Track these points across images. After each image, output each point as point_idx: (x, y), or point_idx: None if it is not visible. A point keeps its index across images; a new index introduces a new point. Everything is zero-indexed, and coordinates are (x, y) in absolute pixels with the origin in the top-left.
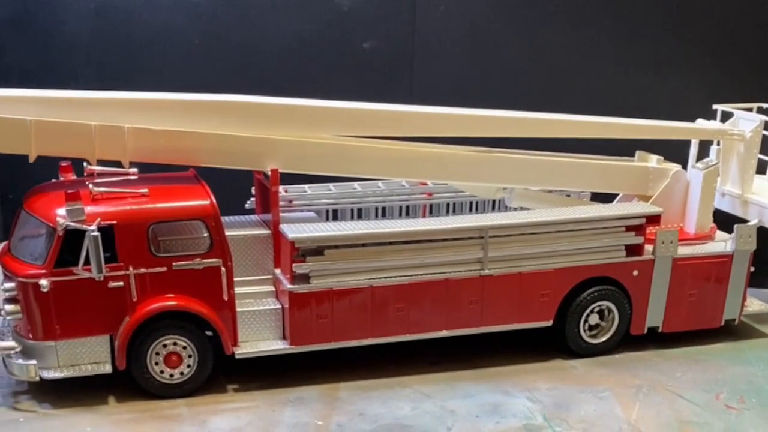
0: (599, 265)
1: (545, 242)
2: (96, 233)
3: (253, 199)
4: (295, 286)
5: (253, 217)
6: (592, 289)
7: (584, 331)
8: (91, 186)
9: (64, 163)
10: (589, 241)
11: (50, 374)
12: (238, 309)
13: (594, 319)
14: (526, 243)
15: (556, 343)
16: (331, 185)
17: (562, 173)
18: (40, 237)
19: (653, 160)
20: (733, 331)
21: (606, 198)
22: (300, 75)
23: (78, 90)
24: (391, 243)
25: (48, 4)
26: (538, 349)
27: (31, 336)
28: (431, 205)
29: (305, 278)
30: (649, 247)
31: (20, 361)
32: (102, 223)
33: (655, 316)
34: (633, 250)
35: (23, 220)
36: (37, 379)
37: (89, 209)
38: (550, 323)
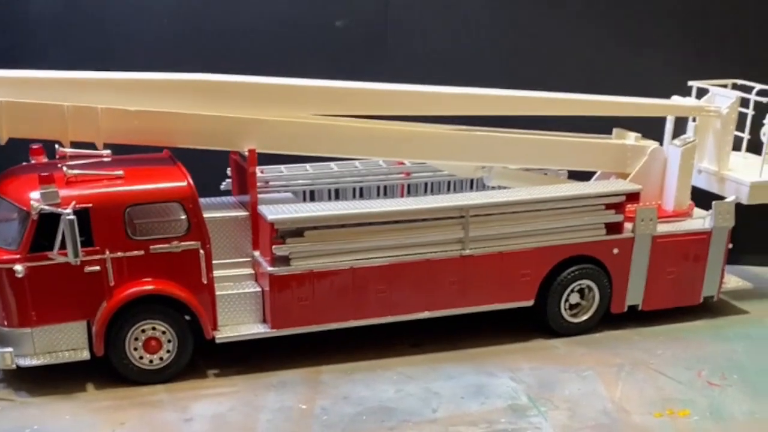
0: (579, 243)
1: (525, 221)
2: (71, 216)
3: (228, 180)
4: (275, 268)
5: (230, 199)
6: (573, 268)
7: (565, 310)
8: (65, 168)
9: (35, 146)
10: (569, 219)
11: (27, 362)
12: (217, 292)
13: (574, 298)
14: (507, 222)
15: (537, 322)
16: (307, 165)
17: (540, 151)
18: (14, 221)
19: (631, 138)
20: (712, 308)
21: (584, 176)
22: (274, 54)
23: (48, 70)
24: (371, 224)
25: None
26: (519, 329)
27: (6, 323)
28: (409, 185)
29: (285, 260)
30: (628, 225)
31: None
32: (77, 206)
33: (635, 294)
34: (613, 228)
35: None
36: (14, 366)
37: (64, 192)
38: (531, 303)
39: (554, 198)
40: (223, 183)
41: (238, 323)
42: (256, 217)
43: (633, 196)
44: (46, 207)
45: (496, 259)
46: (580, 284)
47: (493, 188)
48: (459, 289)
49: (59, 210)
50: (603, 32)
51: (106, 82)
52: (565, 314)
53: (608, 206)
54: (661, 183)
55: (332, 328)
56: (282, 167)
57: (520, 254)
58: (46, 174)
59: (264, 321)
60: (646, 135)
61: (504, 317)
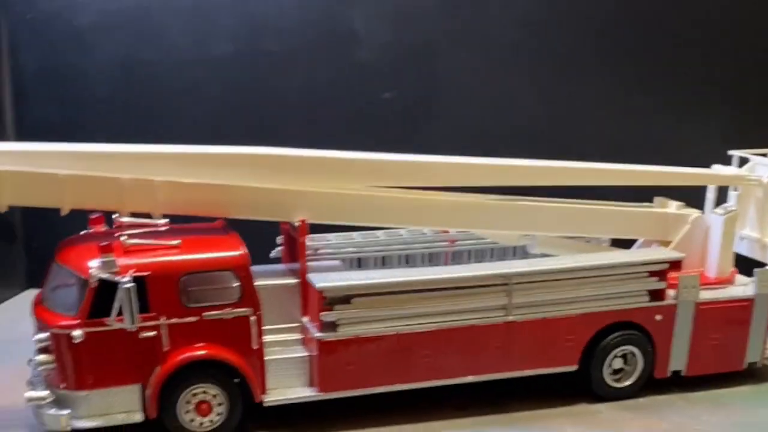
0: (622, 310)
1: (569, 288)
2: (130, 285)
3: (279, 248)
4: (323, 333)
5: (281, 266)
6: (616, 334)
7: (609, 375)
8: (123, 238)
9: (94, 215)
10: (613, 286)
11: (82, 424)
12: (266, 357)
13: (618, 363)
14: (551, 289)
15: (581, 386)
16: (354, 234)
17: (583, 220)
18: (73, 288)
19: (673, 206)
20: (755, 374)
21: (625, 243)
22: (321, 125)
23: (103, 143)
24: (417, 291)
25: (74, 58)
26: (564, 393)
27: (63, 386)
28: (454, 253)
29: (333, 326)
30: (671, 292)
31: (52, 411)
32: (135, 274)
33: (678, 360)
34: (656, 295)
35: (55, 271)
36: (69, 429)
37: (122, 261)
38: (575, 368)
39: (597, 266)
40: (274, 251)
41: (286, 387)
42: (305, 285)
43: (675, 264)
44: (105, 275)
45: (539, 325)
46: (623, 350)
47: (537, 256)
48: (503, 353)
49: (117, 278)
50: (645, 103)
51: (162, 156)
52: (609, 379)
53: (651, 273)
54: (704, 251)
55: (378, 391)
56: (330, 236)
57: (563, 320)
58: (105, 244)
59: (311, 385)
60: (688, 203)
61: (548, 381)
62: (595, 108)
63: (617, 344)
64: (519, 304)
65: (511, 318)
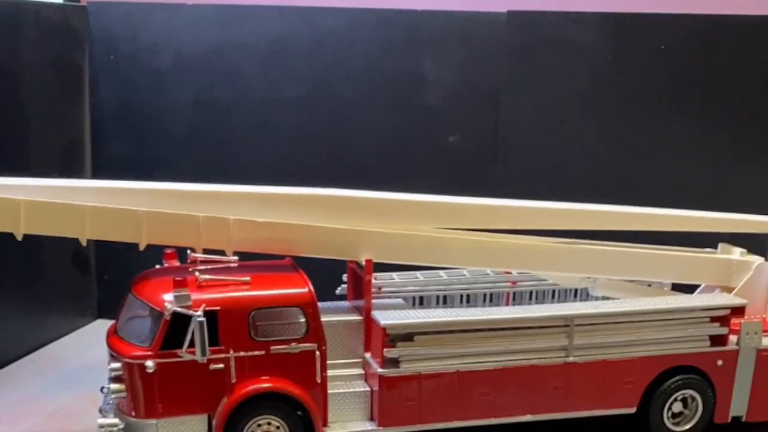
0: (683, 354)
1: (630, 331)
2: (202, 318)
3: (344, 285)
4: (385, 369)
5: (345, 303)
6: (676, 378)
7: (668, 418)
8: (197, 273)
9: (168, 250)
10: (674, 330)
11: None
12: (329, 391)
13: (678, 406)
14: (611, 332)
15: (639, 429)
16: (418, 273)
17: (645, 264)
18: (147, 320)
19: (736, 253)
20: None
21: (687, 288)
22: (388, 168)
23: (177, 180)
24: (478, 330)
25: (149, 97)
26: None
27: (134, 414)
28: (515, 293)
29: (395, 362)
30: (733, 338)
31: None
32: (207, 308)
33: (739, 406)
34: (717, 340)
35: (130, 303)
36: None
37: (195, 296)
38: (633, 410)
39: (658, 310)
40: (339, 288)
41: (347, 420)
42: (369, 322)
43: (738, 310)
44: (179, 309)
45: (599, 367)
46: (683, 393)
47: (598, 298)
48: (562, 394)
49: (190, 312)
50: (710, 148)
51: (236, 195)
52: (668, 422)
53: (713, 319)
54: (767, 297)
55: (438, 427)
56: (394, 275)
57: (623, 363)
58: (180, 278)
59: (372, 419)
60: (752, 249)
61: (607, 423)
62: (659, 154)
63: (677, 388)
64: (579, 345)
65: (571, 359)
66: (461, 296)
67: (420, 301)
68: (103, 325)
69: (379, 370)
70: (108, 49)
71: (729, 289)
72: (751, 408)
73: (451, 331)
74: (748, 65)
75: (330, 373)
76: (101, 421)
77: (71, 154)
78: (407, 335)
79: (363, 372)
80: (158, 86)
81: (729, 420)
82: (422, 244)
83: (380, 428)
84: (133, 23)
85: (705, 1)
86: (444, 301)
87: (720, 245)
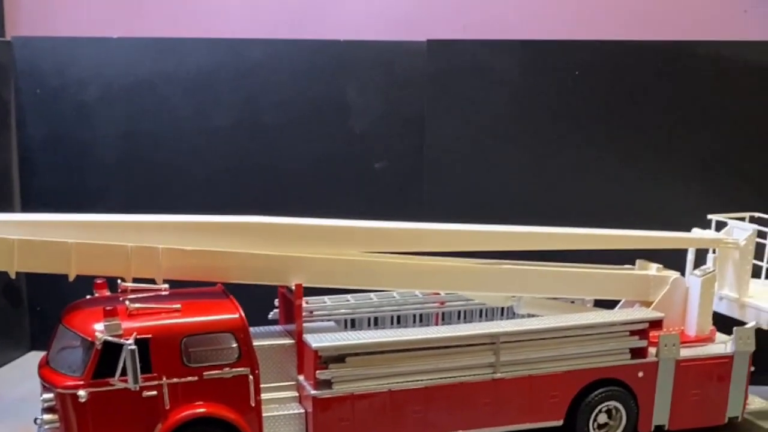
0: (606, 367)
1: (554, 347)
2: (133, 347)
3: (276, 310)
4: (318, 391)
5: (277, 328)
6: (600, 390)
7: (594, 429)
8: (127, 302)
9: (99, 280)
10: (596, 345)
11: None
12: (264, 414)
13: (603, 418)
14: (536, 348)
15: None
16: (348, 296)
17: (567, 282)
18: (78, 350)
19: (653, 268)
20: (736, 428)
21: (609, 303)
22: (317, 193)
23: (107, 211)
24: (408, 350)
25: (78, 130)
26: None
27: None
28: (443, 313)
29: (328, 384)
30: (652, 350)
31: None
32: (138, 336)
33: (661, 415)
34: (637, 352)
35: (61, 334)
36: None
37: (126, 324)
38: (560, 422)
39: (580, 325)
40: (271, 313)
41: None
42: (301, 345)
43: (656, 323)
44: (110, 338)
45: (526, 382)
46: (607, 405)
47: (523, 316)
48: (491, 409)
49: (122, 340)
50: (630, 172)
51: (165, 225)
52: None
53: (632, 332)
54: (683, 310)
55: None
56: (325, 298)
57: (549, 377)
58: (110, 308)
59: None
60: (668, 264)
61: None
62: (581, 177)
63: (601, 400)
64: (506, 362)
65: (498, 375)
66: (392, 318)
67: (352, 324)
68: (36, 357)
69: (313, 391)
70: (34, 83)
71: (647, 304)
72: (673, 416)
73: (381, 352)
74: (662, 88)
75: (264, 396)
76: None
77: None
78: (339, 357)
79: (297, 394)
80: (86, 119)
81: (652, 429)
82: (351, 269)
83: None
84: (59, 57)
85: (617, 28)
86: (375, 322)
87: (637, 261)
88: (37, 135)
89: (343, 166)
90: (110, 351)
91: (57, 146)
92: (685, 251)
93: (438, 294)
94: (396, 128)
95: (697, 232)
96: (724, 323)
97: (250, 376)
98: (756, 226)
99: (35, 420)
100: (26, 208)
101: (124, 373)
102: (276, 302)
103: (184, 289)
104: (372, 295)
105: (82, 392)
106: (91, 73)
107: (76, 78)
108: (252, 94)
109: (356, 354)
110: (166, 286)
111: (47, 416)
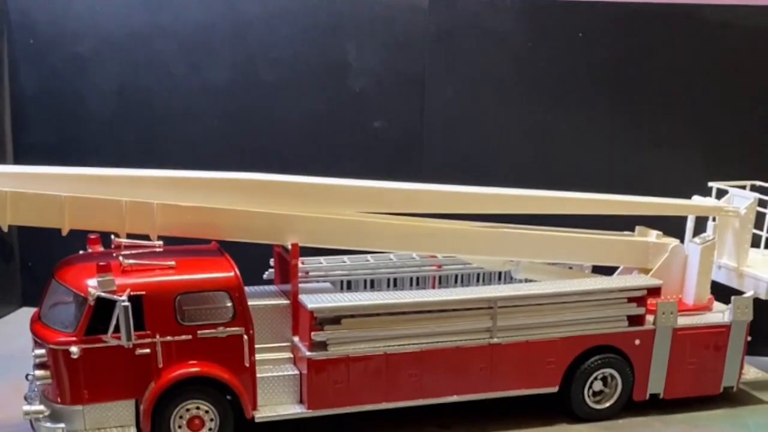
0: (602, 334)
1: (551, 312)
2: (126, 303)
3: (271, 270)
4: (313, 353)
5: (273, 288)
6: (596, 357)
7: (589, 396)
8: (121, 258)
9: (92, 236)
10: (593, 311)
11: None
12: (258, 375)
13: (598, 385)
14: (533, 313)
15: (561, 408)
16: (345, 257)
17: (566, 248)
18: (71, 306)
19: (653, 235)
20: (731, 398)
21: (607, 270)
22: (315, 152)
23: (100, 166)
24: (404, 313)
25: (71, 82)
26: (545, 413)
27: (59, 400)
28: (440, 277)
29: (323, 345)
30: (650, 318)
31: (48, 424)
32: (132, 293)
33: (656, 383)
34: (635, 320)
35: (53, 289)
36: None
37: (119, 280)
38: (555, 389)
39: (579, 291)
40: (266, 272)
41: (277, 404)
42: (296, 306)
43: (654, 291)
44: (103, 294)
45: (522, 348)
46: (603, 372)
47: (521, 281)
48: (486, 375)
49: (115, 297)
50: (630, 137)
51: (160, 180)
52: (589, 401)
53: (630, 299)
54: (682, 278)
55: (365, 409)
56: (321, 259)
57: (545, 343)
58: (103, 263)
59: (301, 402)
60: (668, 232)
61: (530, 402)
62: (582, 141)
63: (597, 367)
64: (502, 327)
65: (494, 340)
66: (388, 280)
67: (348, 285)
68: (27, 313)
69: (308, 353)
70: (27, 33)
71: (646, 271)
72: (668, 385)
73: (378, 314)
74: (665, 52)
75: (258, 357)
76: (27, 408)
77: None
78: (335, 318)
79: (291, 355)
80: (80, 71)
81: (647, 397)
82: (348, 228)
83: (309, 411)
84: (52, 8)
85: None
86: (371, 285)
87: (637, 228)
88: (31, 87)
89: (341, 125)
90: (103, 307)
91: (51, 99)
92: (685, 219)
93: (435, 257)
94: (396, 87)
95: (697, 200)
96: (723, 292)
97: (245, 336)
98: (757, 195)
99: (27, 376)
100: (19, 161)
101: (117, 330)
102: (271, 262)
103: (178, 246)
104: (369, 257)
105: (74, 348)
106: (86, 24)
107: (70, 29)
108: (249, 50)
109: (352, 316)
110: (161, 242)
111: (39, 372)
